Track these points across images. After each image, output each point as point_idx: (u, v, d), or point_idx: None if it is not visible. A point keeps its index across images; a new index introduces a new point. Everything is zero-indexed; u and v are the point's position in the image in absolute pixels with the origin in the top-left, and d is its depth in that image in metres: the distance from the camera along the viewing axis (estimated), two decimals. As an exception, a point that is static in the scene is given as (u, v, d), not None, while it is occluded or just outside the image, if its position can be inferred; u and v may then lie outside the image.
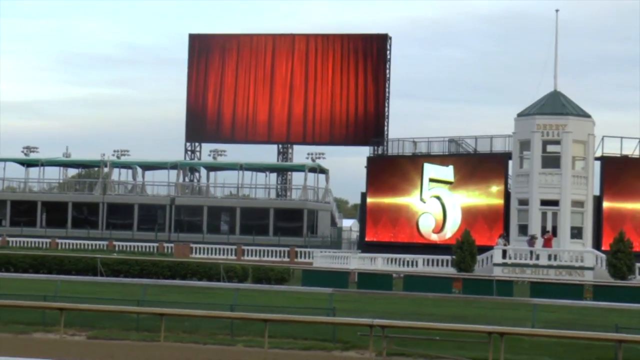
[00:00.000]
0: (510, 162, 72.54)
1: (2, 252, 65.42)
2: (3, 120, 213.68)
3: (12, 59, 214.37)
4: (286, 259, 73.78)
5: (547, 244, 67.10)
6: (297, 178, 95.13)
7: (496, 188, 73.07)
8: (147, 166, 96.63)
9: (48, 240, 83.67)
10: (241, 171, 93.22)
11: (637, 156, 72.53)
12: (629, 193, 70.98)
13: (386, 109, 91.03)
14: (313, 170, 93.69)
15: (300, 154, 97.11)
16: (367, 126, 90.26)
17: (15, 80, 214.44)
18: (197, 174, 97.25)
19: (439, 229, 74.14)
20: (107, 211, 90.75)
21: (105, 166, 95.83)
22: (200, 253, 77.64)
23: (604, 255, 63.83)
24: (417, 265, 66.19)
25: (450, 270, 62.29)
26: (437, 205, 74.59)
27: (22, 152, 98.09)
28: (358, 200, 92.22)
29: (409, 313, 33.78)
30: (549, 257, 65.37)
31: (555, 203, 68.95)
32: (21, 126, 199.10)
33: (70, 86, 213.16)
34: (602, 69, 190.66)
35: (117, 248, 78.26)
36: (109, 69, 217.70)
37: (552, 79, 72.50)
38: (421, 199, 75.12)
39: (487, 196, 73.08)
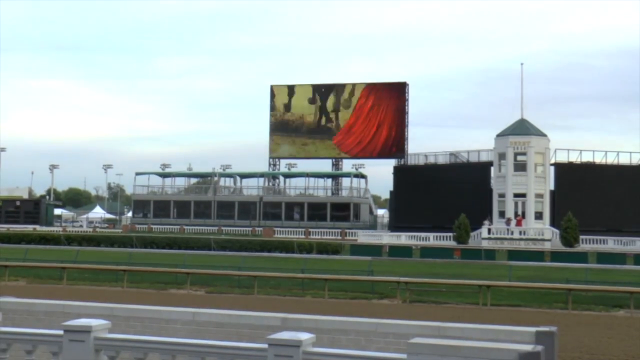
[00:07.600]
0: (492, 168, 72.07)
1: (148, 235, 66.34)
2: (149, 147, 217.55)
3: (155, 106, 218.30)
4: (339, 237, 73.82)
5: (518, 223, 66.67)
6: (345, 182, 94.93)
7: (482, 185, 72.57)
8: (243, 175, 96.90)
9: (178, 227, 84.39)
10: (307, 178, 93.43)
11: (579, 162, 72.09)
12: (574, 188, 70.26)
13: (406, 133, 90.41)
14: (356, 176, 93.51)
15: (347, 165, 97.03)
16: (393, 145, 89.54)
17: (156, 120, 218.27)
18: (277, 180, 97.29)
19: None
20: (216, 206, 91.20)
21: (215, 176, 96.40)
22: (280, 234, 77.89)
23: (557, 231, 63.29)
24: (429, 240, 66.00)
25: (452, 243, 62.09)
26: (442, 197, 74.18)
27: (160, 167, 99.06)
28: (388, 196, 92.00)
29: (424, 273, 33.64)
30: (520, 233, 65.02)
31: (523, 195, 68.41)
32: (160, 150, 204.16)
33: (191, 123, 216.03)
34: (554, 103, 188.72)
35: (223, 231, 78.74)
36: (217, 111, 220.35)
37: (520, 110, 72.21)
38: (430, 194, 74.82)
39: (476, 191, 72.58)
